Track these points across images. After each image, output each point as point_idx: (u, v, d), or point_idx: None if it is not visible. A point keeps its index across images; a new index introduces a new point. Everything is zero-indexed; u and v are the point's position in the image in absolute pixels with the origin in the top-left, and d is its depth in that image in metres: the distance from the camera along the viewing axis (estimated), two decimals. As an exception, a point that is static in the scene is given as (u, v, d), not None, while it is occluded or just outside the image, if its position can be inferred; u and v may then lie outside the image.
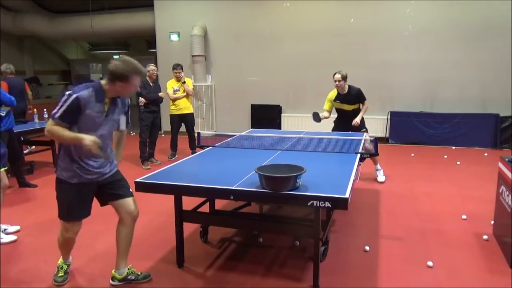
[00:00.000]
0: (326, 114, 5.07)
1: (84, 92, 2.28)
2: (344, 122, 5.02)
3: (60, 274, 2.68)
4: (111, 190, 2.52)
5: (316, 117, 4.98)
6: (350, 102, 4.96)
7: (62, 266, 2.71)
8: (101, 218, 3.03)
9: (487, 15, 7.02)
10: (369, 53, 7.75)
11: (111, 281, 2.65)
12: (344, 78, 4.84)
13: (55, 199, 2.45)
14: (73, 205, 2.43)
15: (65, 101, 2.26)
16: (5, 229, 3.59)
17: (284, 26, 8.26)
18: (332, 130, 5.14)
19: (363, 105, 5.01)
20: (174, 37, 9.02)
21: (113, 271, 2.65)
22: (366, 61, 7.77)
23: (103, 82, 2.37)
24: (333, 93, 5.06)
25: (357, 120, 4.88)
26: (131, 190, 2.59)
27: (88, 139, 2.23)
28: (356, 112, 4.99)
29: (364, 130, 4.95)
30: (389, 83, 7.75)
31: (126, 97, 2.54)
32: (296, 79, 8.34)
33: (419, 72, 7.56)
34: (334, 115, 5.26)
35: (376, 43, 7.72)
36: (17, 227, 3.68)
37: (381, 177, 5.08)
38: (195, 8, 8.79)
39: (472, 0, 7.07)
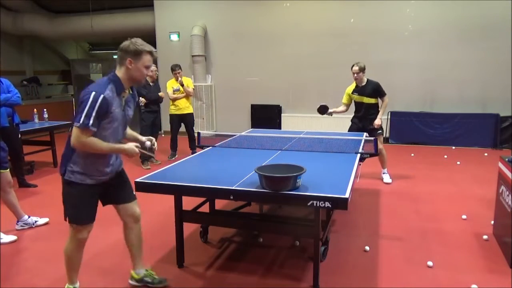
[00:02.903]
0: (341, 108, 5.06)
1: (107, 91, 2.11)
2: (363, 119, 4.92)
3: None
4: (115, 192, 2.44)
5: (323, 109, 4.86)
6: (367, 94, 4.89)
7: None
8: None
9: (487, 15, 7.01)
10: (369, 53, 7.74)
11: (129, 280, 2.65)
12: (362, 69, 4.85)
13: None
14: (84, 207, 2.29)
15: (93, 103, 2.04)
16: (35, 221, 3.70)
17: (284, 26, 8.26)
18: (348, 130, 5.04)
19: (382, 101, 4.91)
20: (174, 37, 9.02)
21: (131, 271, 2.64)
22: (366, 61, 7.60)
23: (117, 71, 2.23)
24: (351, 86, 5.04)
25: (377, 122, 4.81)
26: (134, 193, 2.53)
27: (130, 149, 2.24)
28: (376, 107, 4.93)
29: (380, 132, 4.89)
30: (389, 83, 7.66)
31: (139, 82, 2.31)
32: (296, 79, 8.34)
33: (419, 72, 7.56)
34: (350, 115, 5.15)
35: (376, 43, 7.71)
36: (46, 219, 3.77)
37: (387, 179, 5.04)
38: (195, 8, 8.79)
39: (472, 0, 7.08)
